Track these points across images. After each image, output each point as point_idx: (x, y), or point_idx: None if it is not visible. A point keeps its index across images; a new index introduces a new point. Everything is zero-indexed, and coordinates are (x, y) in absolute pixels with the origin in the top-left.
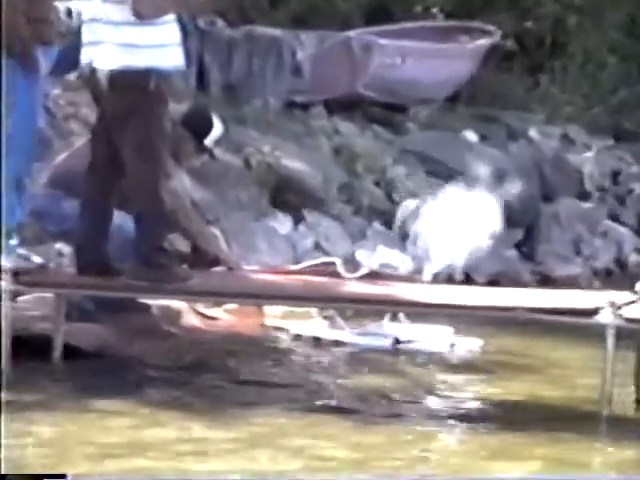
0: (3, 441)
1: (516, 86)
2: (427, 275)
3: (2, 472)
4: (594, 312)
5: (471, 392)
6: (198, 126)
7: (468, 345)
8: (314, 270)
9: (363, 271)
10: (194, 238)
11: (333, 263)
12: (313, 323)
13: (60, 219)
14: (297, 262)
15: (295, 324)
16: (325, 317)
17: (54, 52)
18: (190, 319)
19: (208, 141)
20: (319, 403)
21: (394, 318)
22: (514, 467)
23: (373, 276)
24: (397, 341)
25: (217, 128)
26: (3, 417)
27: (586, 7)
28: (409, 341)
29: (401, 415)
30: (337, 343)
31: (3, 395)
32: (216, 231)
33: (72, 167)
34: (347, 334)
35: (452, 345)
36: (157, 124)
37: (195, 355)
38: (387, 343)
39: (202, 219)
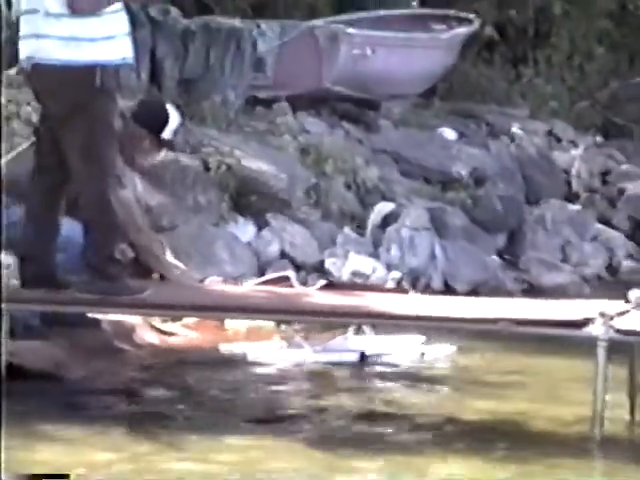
0: None
1: (497, 79)
2: (390, 281)
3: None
4: (584, 323)
5: (444, 411)
6: (152, 118)
7: (439, 353)
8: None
9: (319, 284)
10: (140, 253)
11: (286, 277)
12: (271, 344)
13: (3, 227)
14: (261, 271)
15: (252, 346)
16: (283, 337)
17: None
18: (145, 335)
19: (166, 133)
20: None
21: (358, 331)
22: None
23: (341, 286)
24: (363, 356)
25: (174, 117)
26: None
27: None
28: (377, 355)
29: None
30: (297, 364)
31: None
32: (164, 249)
33: (15, 171)
34: (308, 352)
35: (422, 354)
36: (104, 123)
37: (151, 374)
38: (354, 358)
39: (152, 234)
